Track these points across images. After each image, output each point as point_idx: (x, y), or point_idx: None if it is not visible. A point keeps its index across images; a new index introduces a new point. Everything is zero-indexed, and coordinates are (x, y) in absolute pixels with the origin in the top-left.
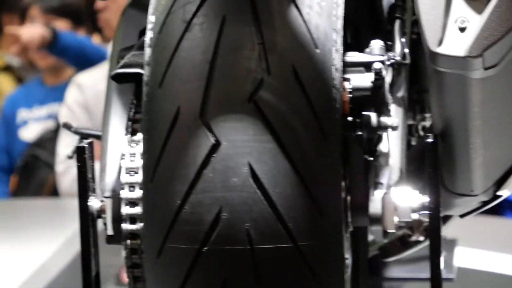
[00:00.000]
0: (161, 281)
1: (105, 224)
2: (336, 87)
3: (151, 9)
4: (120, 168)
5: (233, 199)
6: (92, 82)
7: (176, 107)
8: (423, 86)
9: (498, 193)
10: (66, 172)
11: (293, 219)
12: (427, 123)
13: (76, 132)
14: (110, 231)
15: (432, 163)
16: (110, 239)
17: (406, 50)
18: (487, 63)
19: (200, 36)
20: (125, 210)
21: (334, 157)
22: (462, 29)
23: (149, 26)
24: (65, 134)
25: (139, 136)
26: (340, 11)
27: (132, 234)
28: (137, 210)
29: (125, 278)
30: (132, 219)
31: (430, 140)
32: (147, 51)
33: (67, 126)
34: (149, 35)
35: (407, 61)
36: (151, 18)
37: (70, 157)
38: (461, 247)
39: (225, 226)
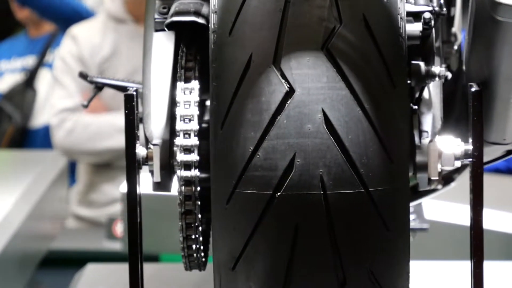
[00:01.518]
0: (230, 227)
1: (151, 171)
2: (402, 36)
3: None
4: (167, 115)
5: (307, 145)
6: (87, 34)
7: (249, 54)
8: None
9: None
10: (59, 126)
11: (364, 165)
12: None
13: (91, 82)
14: (157, 178)
15: (477, 112)
16: (157, 186)
17: (442, 0)
18: None
19: None
20: (180, 157)
21: (403, 105)
22: None
23: None
24: (58, 87)
25: (193, 83)
26: None
27: (186, 181)
28: (193, 157)
29: (117, 231)
30: (187, 165)
31: (474, 89)
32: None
33: (83, 75)
34: None
35: (444, 11)
36: None
37: (85, 106)
38: (431, 200)
39: (299, 172)
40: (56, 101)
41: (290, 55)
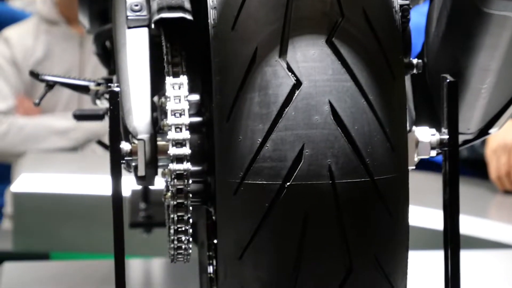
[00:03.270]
0: (237, 217)
1: (135, 166)
2: (397, 29)
3: None
4: (150, 111)
5: (315, 136)
6: (20, 36)
7: (254, 48)
8: None
9: (490, 131)
10: None
11: (370, 154)
12: None
13: (42, 80)
14: (141, 173)
15: (453, 102)
16: (141, 180)
17: None
18: None
19: None
20: (173, 150)
21: (401, 95)
22: None
23: None
24: None
25: (182, 78)
26: None
27: (179, 174)
28: (185, 150)
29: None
30: (179, 159)
31: (449, 80)
32: None
33: (34, 74)
34: None
35: (421, 2)
36: None
37: (37, 104)
38: None
39: (308, 162)
40: None
41: (295, 48)
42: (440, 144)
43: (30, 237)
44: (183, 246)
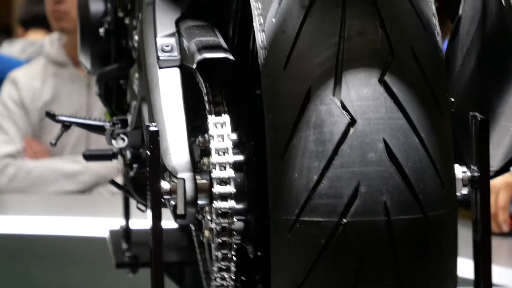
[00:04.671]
0: (292, 254)
1: (174, 205)
2: (443, 66)
3: None
4: (188, 149)
5: (370, 173)
6: (28, 79)
7: (307, 87)
8: None
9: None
10: (1, 172)
11: (422, 190)
12: None
13: (59, 121)
14: (181, 211)
15: (484, 141)
16: (180, 218)
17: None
18: None
19: (323, 20)
20: (217, 189)
21: (448, 132)
22: None
23: (256, 11)
24: (0, 133)
25: (224, 117)
26: None
27: (223, 213)
28: (229, 188)
29: None
30: (223, 197)
31: (480, 118)
32: (260, 35)
33: (50, 115)
34: (258, 20)
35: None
36: (256, 4)
37: (53, 145)
38: None
39: (363, 199)
40: None
41: (349, 87)
42: (471, 181)
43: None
44: (225, 284)
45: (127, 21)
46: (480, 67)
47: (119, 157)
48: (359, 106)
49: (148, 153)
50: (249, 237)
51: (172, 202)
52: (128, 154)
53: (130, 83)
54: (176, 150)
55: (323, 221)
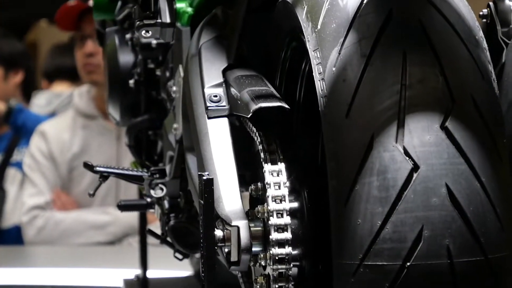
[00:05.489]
0: None
1: (228, 252)
2: (501, 113)
3: (311, 45)
4: (240, 197)
5: (433, 218)
6: (56, 130)
7: (370, 135)
8: None
9: None
10: (30, 223)
11: (484, 234)
12: None
13: (97, 172)
14: (234, 258)
15: None
16: (234, 265)
17: None
18: None
19: (384, 69)
20: (275, 236)
21: (507, 176)
22: None
23: (315, 61)
24: (28, 184)
25: (280, 165)
26: (485, 43)
27: (280, 259)
28: (286, 235)
29: None
30: (281, 243)
31: None
32: (319, 83)
33: (88, 166)
34: (317, 69)
35: None
36: (315, 54)
37: (92, 195)
38: None
39: (427, 243)
40: (26, 199)
41: (411, 134)
42: None
43: None
44: None
45: (158, 72)
46: None
47: (156, 206)
48: (422, 152)
49: (202, 201)
50: (304, 283)
51: (226, 250)
52: (166, 204)
53: (165, 133)
54: (229, 198)
55: (387, 264)
